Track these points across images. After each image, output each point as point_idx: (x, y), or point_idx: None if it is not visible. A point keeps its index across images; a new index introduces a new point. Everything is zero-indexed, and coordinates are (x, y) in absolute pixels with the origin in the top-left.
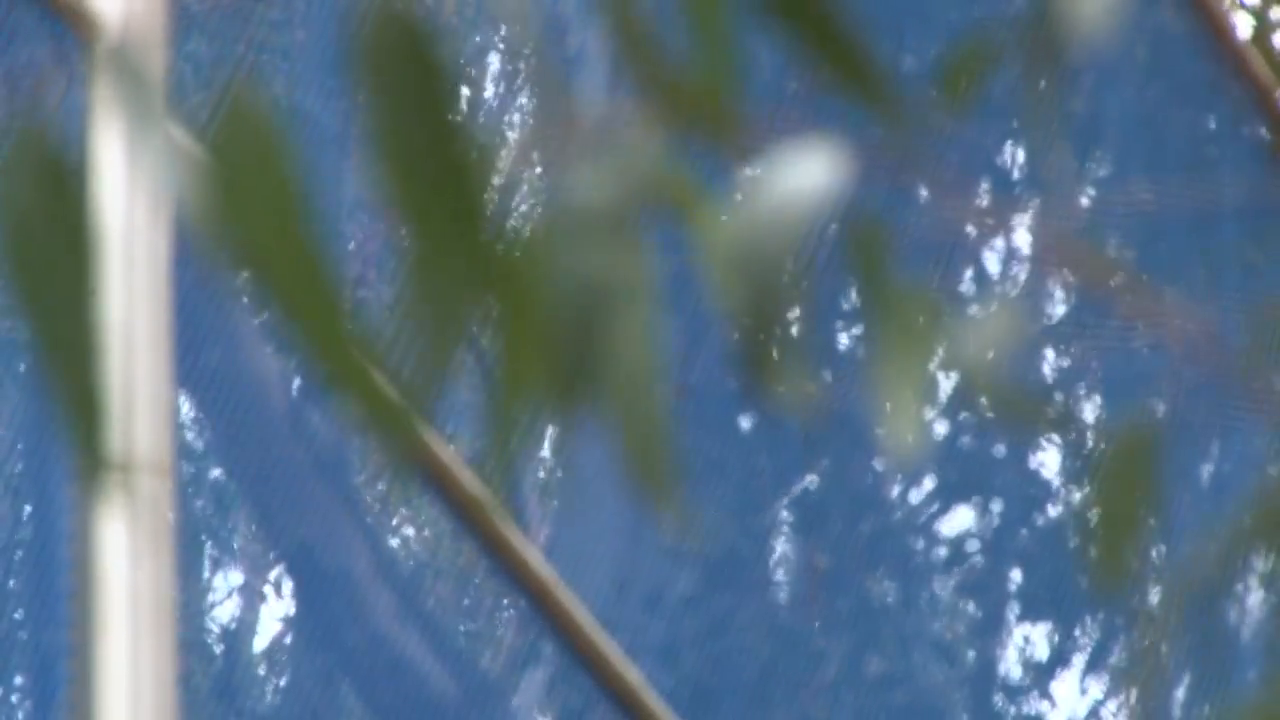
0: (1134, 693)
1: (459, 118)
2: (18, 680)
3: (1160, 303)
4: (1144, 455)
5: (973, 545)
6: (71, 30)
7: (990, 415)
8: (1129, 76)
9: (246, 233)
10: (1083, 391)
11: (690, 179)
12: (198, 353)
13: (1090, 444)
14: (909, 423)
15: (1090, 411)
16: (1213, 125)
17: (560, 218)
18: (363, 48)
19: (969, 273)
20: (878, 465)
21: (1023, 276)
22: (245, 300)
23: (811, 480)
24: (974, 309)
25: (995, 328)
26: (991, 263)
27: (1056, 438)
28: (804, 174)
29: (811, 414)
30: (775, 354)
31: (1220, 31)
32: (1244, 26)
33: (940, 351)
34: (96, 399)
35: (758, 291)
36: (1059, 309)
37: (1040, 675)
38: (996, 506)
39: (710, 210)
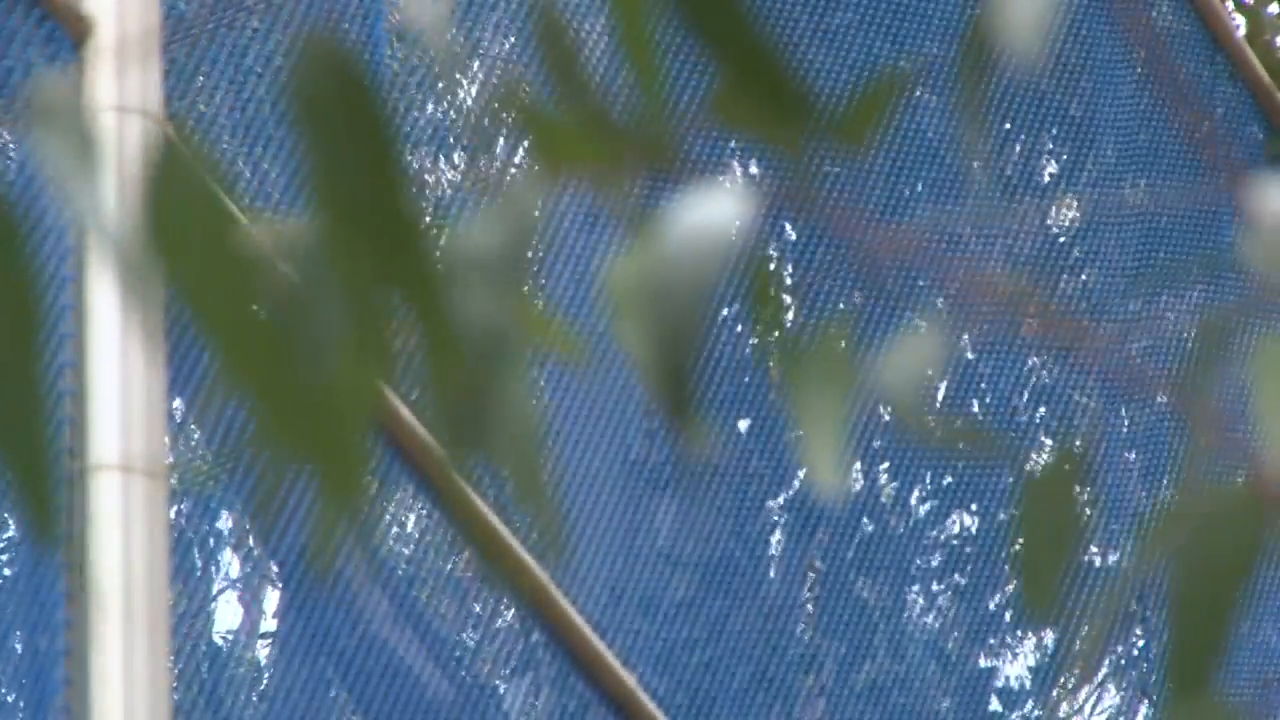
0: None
1: (394, 154)
2: (13, 683)
3: (1079, 328)
4: (1069, 480)
5: (969, 550)
6: (66, 33)
7: (915, 440)
8: (1127, 78)
9: (179, 267)
10: (1012, 415)
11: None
12: (192, 356)
13: (1019, 469)
14: (829, 458)
15: (1020, 436)
16: (1211, 126)
17: (458, 262)
18: (298, 86)
19: (892, 304)
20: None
21: (944, 305)
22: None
23: (807, 485)
24: (896, 338)
25: (917, 355)
26: (916, 293)
27: (986, 460)
28: (715, 210)
29: (712, 452)
30: (687, 392)
31: (1218, 32)
32: (1241, 27)
33: (855, 386)
34: (41, 462)
35: (669, 330)
36: (986, 338)
37: (1037, 680)
38: (992, 511)
39: (618, 252)
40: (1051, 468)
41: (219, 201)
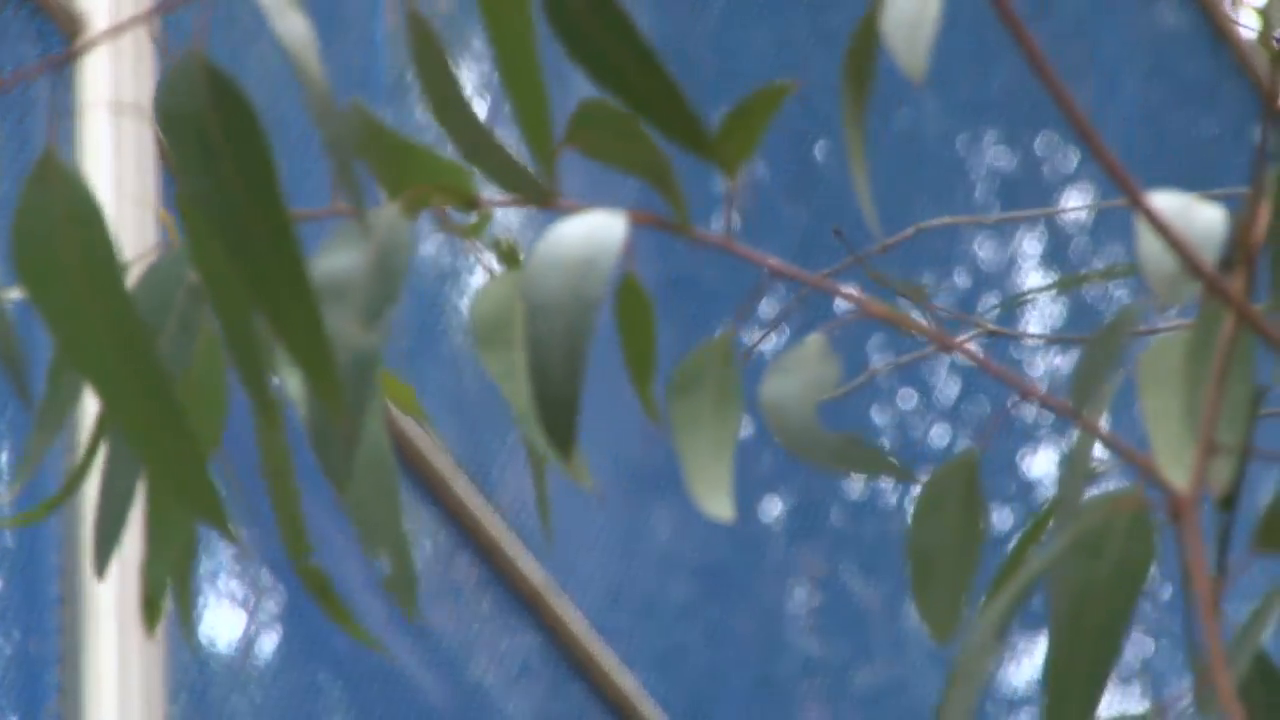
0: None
1: (267, 167)
2: (4, 688)
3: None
4: (961, 491)
5: None
6: (58, 28)
7: (801, 458)
8: (1130, 77)
9: (55, 294)
10: (903, 428)
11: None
12: None
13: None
14: (716, 482)
15: (913, 449)
16: (1214, 127)
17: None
18: (169, 100)
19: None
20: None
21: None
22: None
23: (807, 487)
24: (783, 356)
25: (804, 372)
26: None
27: (880, 478)
28: (596, 230)
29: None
30: (572, 423)
31: (1223, 32)
32: (1246, 27)
33: (738, 407)
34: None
35: (549, 360)
36: (872, 349)
37: (1036, 686)
38: (994, 514)
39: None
40: (946, 476)
41: (96, 221)
